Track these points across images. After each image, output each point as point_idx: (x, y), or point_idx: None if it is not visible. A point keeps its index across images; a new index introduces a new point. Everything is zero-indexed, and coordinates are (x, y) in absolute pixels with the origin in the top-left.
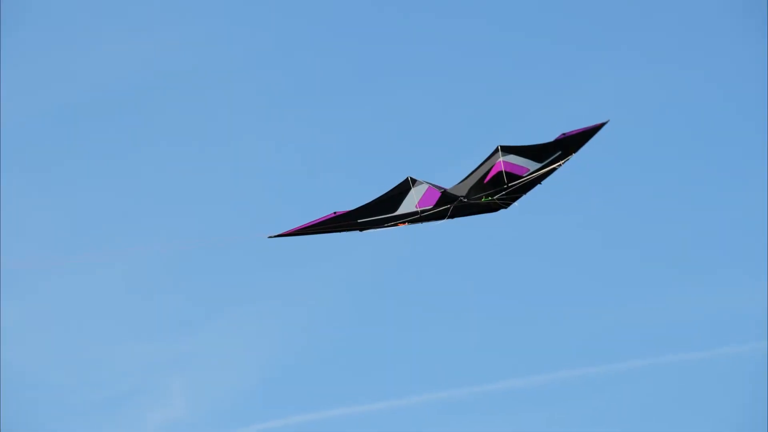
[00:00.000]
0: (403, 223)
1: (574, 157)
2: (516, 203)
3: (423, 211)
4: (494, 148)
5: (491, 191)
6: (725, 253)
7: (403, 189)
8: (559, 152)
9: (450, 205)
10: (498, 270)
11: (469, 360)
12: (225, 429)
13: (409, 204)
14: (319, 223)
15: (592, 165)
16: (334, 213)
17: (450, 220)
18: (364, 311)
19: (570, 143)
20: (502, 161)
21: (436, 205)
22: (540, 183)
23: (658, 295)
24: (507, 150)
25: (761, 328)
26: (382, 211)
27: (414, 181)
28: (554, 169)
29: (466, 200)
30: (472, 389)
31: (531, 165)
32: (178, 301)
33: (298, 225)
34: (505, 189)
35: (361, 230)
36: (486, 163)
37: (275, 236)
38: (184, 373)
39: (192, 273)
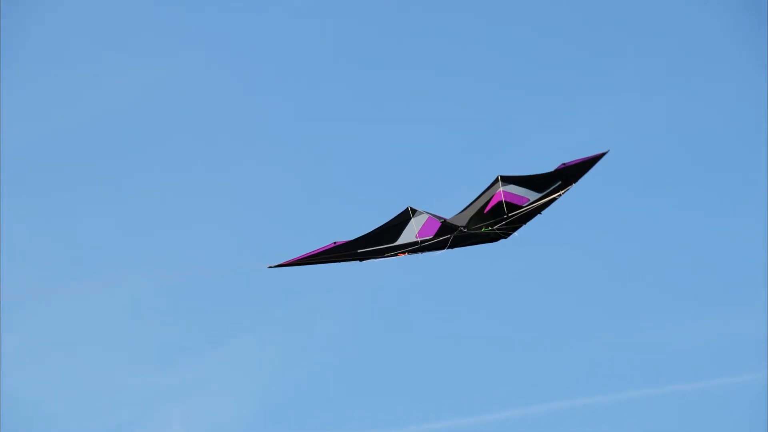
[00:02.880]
0: (403, 253)
1: (573, 186)
2: (516, 233)
3: (423, 241)
4: (494, 177)
5: (491, 221)
6: (725, 283)
7: (403, 219)
8: (559, 182)
9: (450, 235)
10: (498, 299)
11: (469, 389)
12: None
13: (410, 234)
14: (319, 253)
15: (592, 195)
16: (334, 243)
17: (450, 249)
18: (365, 340)
19: (570, 173)
20: (502, 191)
21: (436, 235)
22: (540, 213)
23: (658, 324)
24: (507, 180)
25: (761, 359)
26: (382, 241)
27: (414, 211)
28: (554, 199)
29: (466, 230)
30: (472, 418)
31: (531, 195)
32: (177, 330)
33: (298, 255)
34: (505, 219)
35: (361, 260)
36: (486, 193)
37: (275, 266)
38: (184, 403)
39: (192, 302)
